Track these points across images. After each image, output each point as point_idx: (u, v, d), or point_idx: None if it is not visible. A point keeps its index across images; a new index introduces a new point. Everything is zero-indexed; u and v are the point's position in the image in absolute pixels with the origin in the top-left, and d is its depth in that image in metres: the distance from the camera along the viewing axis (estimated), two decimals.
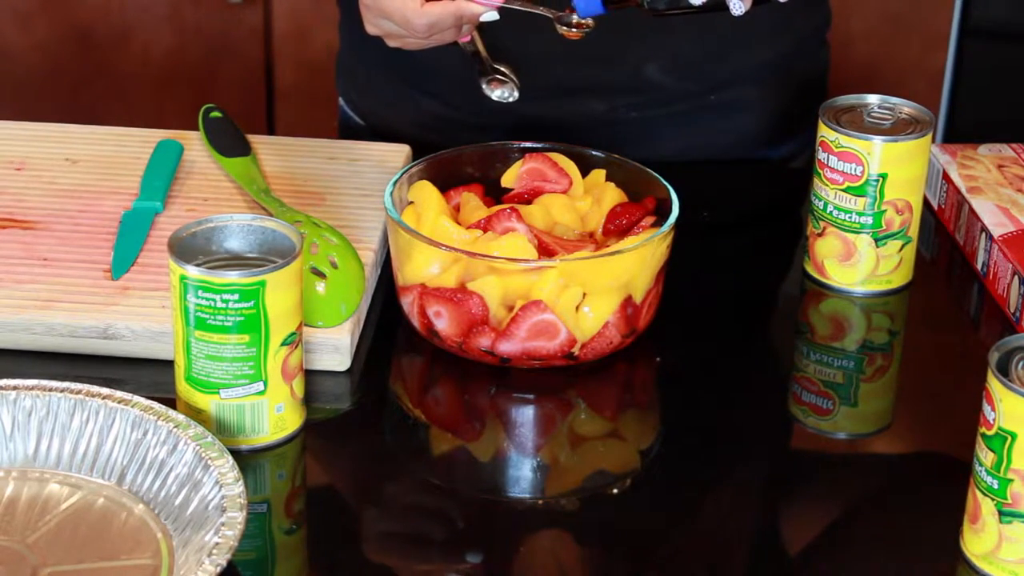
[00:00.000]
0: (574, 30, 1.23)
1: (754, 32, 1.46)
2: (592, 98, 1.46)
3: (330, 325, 1.17)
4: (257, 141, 1.40)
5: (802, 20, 1.52)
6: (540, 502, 1.10)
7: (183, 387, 1.09)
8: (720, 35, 1.44)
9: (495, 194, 1.29)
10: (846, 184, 1.26)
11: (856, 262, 1.28)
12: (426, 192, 1.24)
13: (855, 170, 1.25)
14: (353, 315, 1.19)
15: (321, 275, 1.19)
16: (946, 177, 1.38)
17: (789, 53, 1.50)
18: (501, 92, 1.29)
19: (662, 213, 1.23)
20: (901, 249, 1.28)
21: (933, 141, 1.30)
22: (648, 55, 1.44)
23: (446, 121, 1.50)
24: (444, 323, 1.17)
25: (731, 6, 1.17)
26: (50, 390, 1.07)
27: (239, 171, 1.34)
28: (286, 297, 1.07)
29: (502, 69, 1.30)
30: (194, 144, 1.40)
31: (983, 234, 1.30)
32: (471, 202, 1.25)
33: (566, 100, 1.45)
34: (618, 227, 1.23)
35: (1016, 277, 1.25)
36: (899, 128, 1.26)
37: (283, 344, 1.07)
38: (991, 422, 0.98)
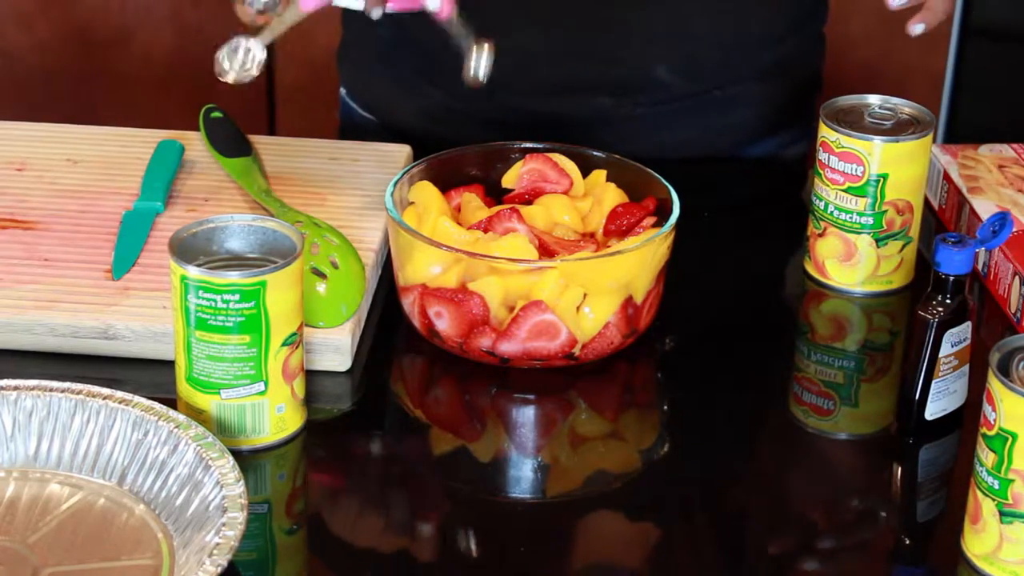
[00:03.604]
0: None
1: (761, 36, 1.46)
2: (599, 94, 1.46)
3: (331, 325, 1.17)
4: (258, 141, 1.40)
5: (807, 22, 1.52)
6: (540, 502, 1.10)
7: (184, 387, 1.09)
8: (728, 40, 1.45)
9: (496, 194, 1.29)
10: (847, 184, 1.26)
11: (857, 262, 1.28)
12: (427, 192, 1.24)
13: (856, 170, 1.25)
14: (354, 315, 1.19)
15: (322, 275, 1.19)
16: (947, 177, 1.38)
17: (792, 51, 1.50)
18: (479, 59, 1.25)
19: (663, 213, 1.23)
20: (902, 249, 1.28)
21: (934, 141, 1.30)
22: (658, 57, 1.44)
23: (450, 112, 1.50)
24: (445, 323, 1.17)
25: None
26: (51, 390, 1.07)
27: (240, 171, 1.34)
28: (287, 297, 1.07)
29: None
30: (195, 144, 1.40)
31: None
32: (472, 202, 1.25)
33: (573, 96, 1.46)
34: (619, 227, 1.23)
35: (1016, 277, 1.25)
36: (900, 128, 1.26)
37: (284, 344, 1.07)
38: (992, 422, 0.98)
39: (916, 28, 1.28)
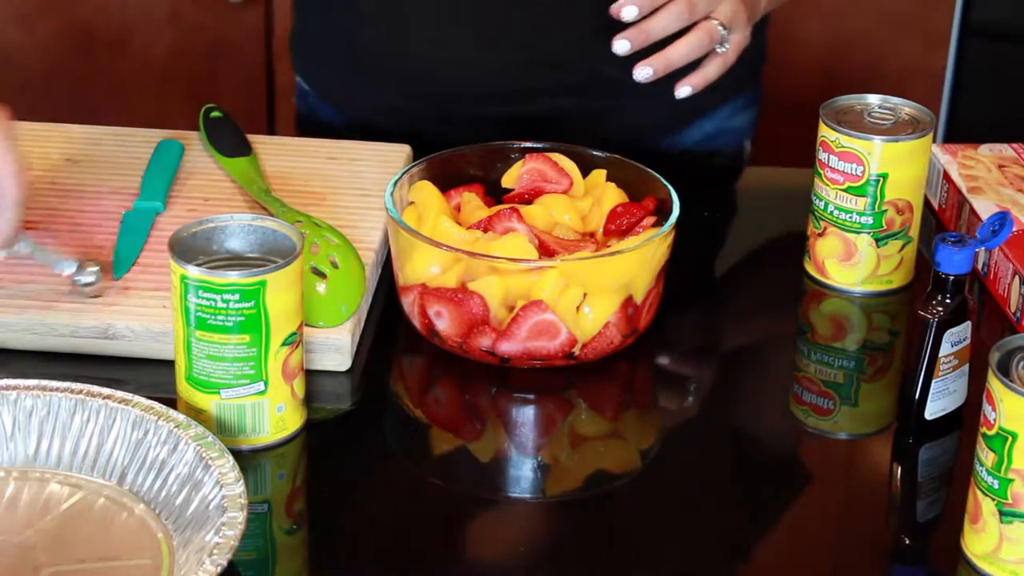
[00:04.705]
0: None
1: None
2: (556, 96, 1.47)
3: (331, 325, 1.17)
4: (257, 141, 1.40)
5: None
6: (540, 502, 1.10)
7: (184, 387, 1.09)
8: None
9: (496, 194, 1.29)
10: (847, 184, 1.26)
11: (857, 262, 1.28)
12: (427, 192, 1.24)
13: (856, 170, 1.25)
14: (354, 315, 1.19)
15: (322, 275, 1.19)
16: (947, 177, 1.39)
17: None
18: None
19: (662, 213, 1.23)
20: (902, 249, 1.28)
21: (934, 141, 1.30)
22: (609, 56, 1.45)
23: (406, 113, 1.50)
24: (445, 323, 1.17)
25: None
26: (51, 390, 1.07)
27: (240, 171, 1.34)
28: (287, 297, 1.07)
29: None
30: (195, 144, 1.40)
31: None
32: (472, 202, 1.25)
33: (528, 98, 1.47)
34: (619, 227, 1.23)
35: (1016, 277, 1.25)
36: (900, 128, 1.26)
37: (284, 344, 1.07)
38: (992, 422, 0.98)
39: (682, 91, 1.29)
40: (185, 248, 1.08)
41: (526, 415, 1.18)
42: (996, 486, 0.98)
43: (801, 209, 1.32)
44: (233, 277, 1.05)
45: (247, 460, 1.08)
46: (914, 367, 1.12)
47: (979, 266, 1.31)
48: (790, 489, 1.12)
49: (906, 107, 1.29)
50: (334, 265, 1.20)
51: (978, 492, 1.00)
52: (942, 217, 1.40)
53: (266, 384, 1.08)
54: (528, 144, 1.29)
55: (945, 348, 1.11)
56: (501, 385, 1.18)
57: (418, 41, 1.46)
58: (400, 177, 1.24)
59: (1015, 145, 1.42)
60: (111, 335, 1.17)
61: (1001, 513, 0.99)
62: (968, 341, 1.13)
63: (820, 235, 1.29)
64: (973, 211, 1.33)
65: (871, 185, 1.25)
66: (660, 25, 1.26)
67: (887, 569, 1.05)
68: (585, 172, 1.29)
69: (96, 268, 1.19)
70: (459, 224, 1.22)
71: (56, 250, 1.21)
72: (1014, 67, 2.56)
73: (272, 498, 1.08)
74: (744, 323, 1.29)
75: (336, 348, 1.17)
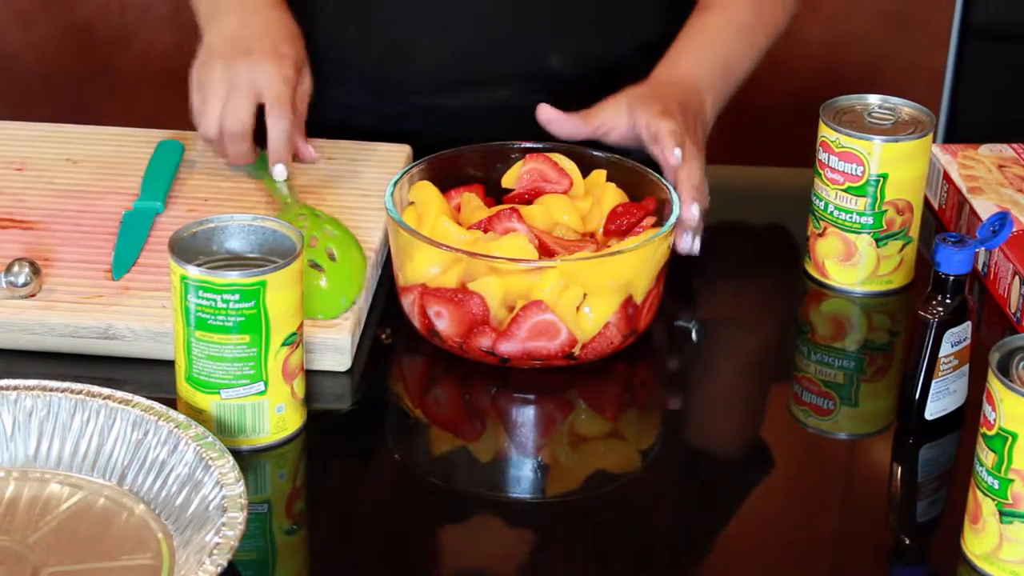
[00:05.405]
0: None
1: (645, 19, 1.48)
2: (497, 87, 1.47)
3: (329, 317, 1.17)
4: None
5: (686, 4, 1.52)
6: (540, 502, 1.10)
7: (184, 387, 1.09)
8: (615, 26, 1.46)
9: (496, 194, 1.29)
10: (847, 184, 1.26)
11: (857, 262, 1.28)
12: (427, 192, 1.24)
13: (856, 170, 1.25)
14: (354, 315, 1.19)
15: (319, 268, 1.19)
16: (947, 177, 1.39)
17: (671, 31, 1.50)
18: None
19: (662, 213, 1.23)
20: (902, 249, 1.28)
21: (934, 141, 1.30)
22: (552, 47, 1.45)
23: (348, 109, 1.50)
24: (445, 323, 1.17)
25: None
26: (51, 390, 1.07)
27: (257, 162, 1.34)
28: (287, 297, 1.07)
29: None
30: (195, 144, 1.40)
31: None
32: (472, 202, 1.25)
33: (472, 90, 1.47)
34: (619, 227, 1.23)
35: (1016, 277, 1.25)
36: (900, 128, 1.26)
37: (284, 344, 1.07)
38: (992, 422, 0.98)
39: (696, 246, 1.27)
40: (185, 248, 1.08)
41: (526, 415, 1.18)
42: (996, 486, 0.98)
43: (801, 209, 1.32)
44: (233, 277, 1.05)
45: (247, 460, 1.08)
46: (914, 367, 1.12)
47: (979, 266, 1.31)
48: (790, 489, 1.12)
49: (906, 107, 1.29)
50: (332, 258, 1.20)
51: (978, 492, 1.00)
52: (942, 217, 1.40)
53: (266, 384, 1.08)
54: (528, 144, 1.29)
55: (945, 348, 1.11)
56: (501, 385, 1.18)
57: (368, 32, 1.46)
58: (400, 177, 1.24)
59: (1015, 145, 1.42)
60: (111, 335, 1.17)
61: (1001, 513, 0.99)
62: (968, 341, 1.13)
63: (820, 235, 1.29)
64: (973, 211, 1.33)
65: (871, 185, 1.25)
66: (697, 213, 1.26)
67: (887, 569, 1.05)
68: (585, 172, 1.29)
69: (27, 269, 1.18)
70: (459, 224, 1.22)
71: None
72: (1014, 67, 2.56)
73: (272, 498, 1.08)
74: (744, 323, 1.29)
75: (336, 348, 1.17)
